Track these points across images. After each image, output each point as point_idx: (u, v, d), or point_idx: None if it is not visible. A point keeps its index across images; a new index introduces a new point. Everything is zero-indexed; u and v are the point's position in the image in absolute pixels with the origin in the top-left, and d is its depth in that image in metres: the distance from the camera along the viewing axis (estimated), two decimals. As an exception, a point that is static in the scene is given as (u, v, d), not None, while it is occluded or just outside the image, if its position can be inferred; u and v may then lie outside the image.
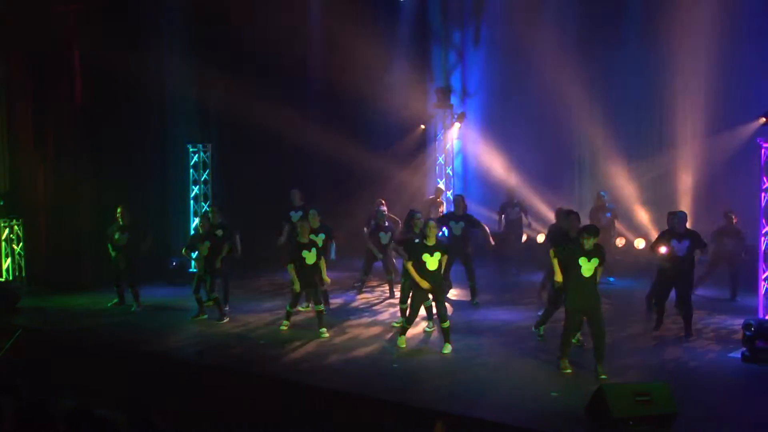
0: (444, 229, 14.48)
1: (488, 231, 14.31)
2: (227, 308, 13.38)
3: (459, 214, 14.15)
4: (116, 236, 13.80)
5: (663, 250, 11.56)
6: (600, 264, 9.83)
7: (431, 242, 10.90)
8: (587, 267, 9.73)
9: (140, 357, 11.32)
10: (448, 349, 10.95)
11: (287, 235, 14.07)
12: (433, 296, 11.14)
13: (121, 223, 13.81)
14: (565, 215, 11.76)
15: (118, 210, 13.83)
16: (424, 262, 10.85)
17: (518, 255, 17.23)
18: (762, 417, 8.59)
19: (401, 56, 20.12)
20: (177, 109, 17.20)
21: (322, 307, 12.13)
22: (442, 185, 19.70)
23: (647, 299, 12.90)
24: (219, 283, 13.28)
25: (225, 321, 12.90)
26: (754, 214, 11.48)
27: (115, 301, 14.18)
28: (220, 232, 13.49)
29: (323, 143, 18.49)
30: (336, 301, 14.26)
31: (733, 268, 14.05)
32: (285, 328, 12.19)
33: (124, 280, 14.01)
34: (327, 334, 11.83)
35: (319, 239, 12.78)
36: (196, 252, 13.20)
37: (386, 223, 14.46)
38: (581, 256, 9.76)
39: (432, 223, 11.13)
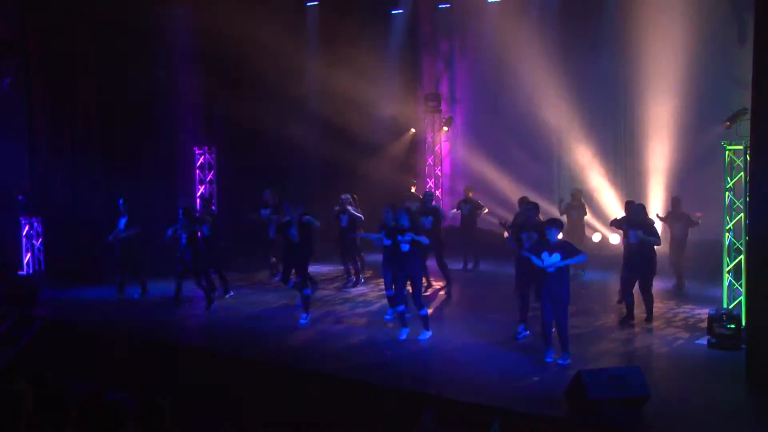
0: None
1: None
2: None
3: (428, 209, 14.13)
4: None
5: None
6: (563, 259, 9.34)
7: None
8: (549, 262, 9.39)
9: (152, 344, 11.28)
10: (425, 336, 10.81)
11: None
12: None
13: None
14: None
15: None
16: None
17: (472, 248, 16.97)
18: (725, 397, 8.60)
19: (393, 65, 20.08)
20: (184, 114, 17.15)
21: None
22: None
23: (620, 293, 12.67)
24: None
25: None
26: (719, 212, 11.48)
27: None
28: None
29: (319, 146, 18.40)
30: (332, 292, 14.24)
31: (679, 256, 13.80)
32: None
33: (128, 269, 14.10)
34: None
35: None
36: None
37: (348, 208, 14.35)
38: (543, 250, 9.49)
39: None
